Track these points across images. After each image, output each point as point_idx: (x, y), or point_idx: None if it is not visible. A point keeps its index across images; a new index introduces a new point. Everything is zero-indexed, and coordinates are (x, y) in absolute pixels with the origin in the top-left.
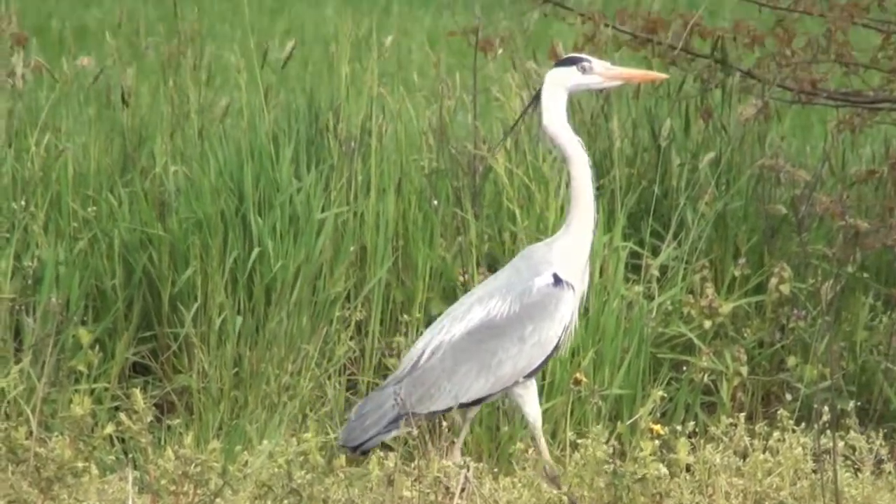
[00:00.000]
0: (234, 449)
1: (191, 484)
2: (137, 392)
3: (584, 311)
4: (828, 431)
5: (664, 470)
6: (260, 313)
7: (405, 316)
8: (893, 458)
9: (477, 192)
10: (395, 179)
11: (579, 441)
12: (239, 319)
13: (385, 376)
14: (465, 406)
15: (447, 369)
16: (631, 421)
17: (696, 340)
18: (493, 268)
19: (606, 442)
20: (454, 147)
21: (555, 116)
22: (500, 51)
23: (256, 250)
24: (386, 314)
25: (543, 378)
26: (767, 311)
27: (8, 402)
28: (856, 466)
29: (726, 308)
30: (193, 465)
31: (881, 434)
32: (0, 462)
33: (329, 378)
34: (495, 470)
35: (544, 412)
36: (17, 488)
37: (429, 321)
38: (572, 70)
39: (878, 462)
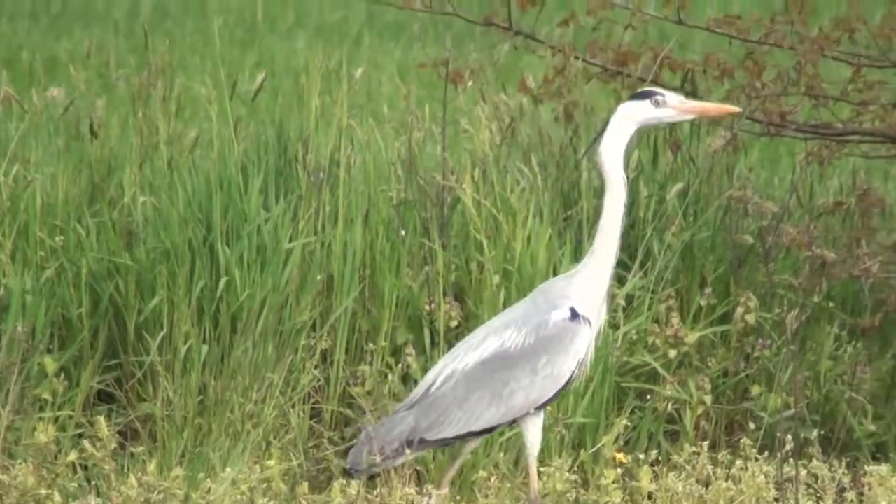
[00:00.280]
0: (197, 476)
1: None
2: (101, 420)
3: None
4: (791, 460)
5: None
6: (225, 342)
7: (371, 345)
8: (856, 487)
9: (444, 222)
10: (362, 210)
11: (542, 469)
12: (204, 348)
13: (350, 405)
14: (475, 435)
15: (459, 397)
16: (594, 449)
17: (660, 370)
18: (459, 297)
19: (569, 470)
20: (422, 178)
21: (613, 148)
22: (470, 83)
23: (224, 280)
24: (351, 343)
25: None
26: (732, 341)
27: None
28: (818, 495)
29: (692, 337)
30: (156, 492)
31: (844, 463)
32: None
33: (293, 406)
34: (458, 498)
35: (507, 440)
36: None
37: (394, 350)
38: (646, 104)
39: (841, 491)
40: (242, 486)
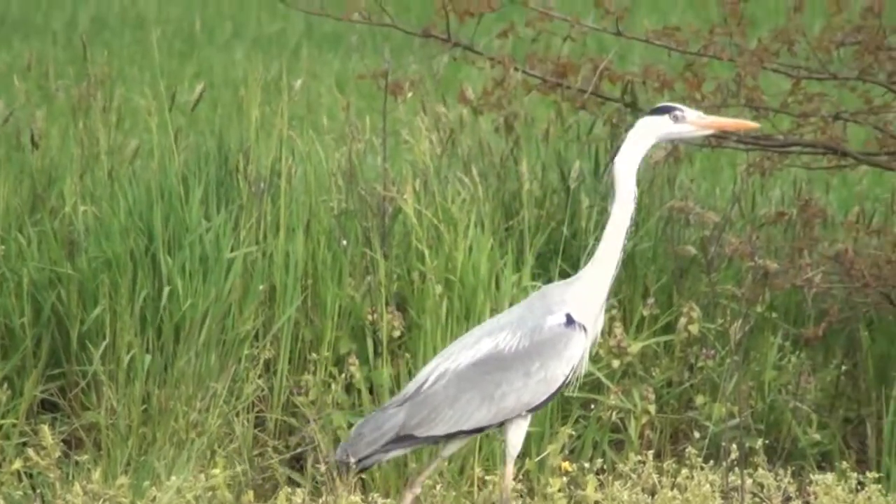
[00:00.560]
0: (142, 485)
1: None
2: (45, 428)
3: None
4: (736, 469)
5: None
6: (169, 351)
7: (314, 354)
8: (801, 496)
9: (386, 232)
10: (304, 220)
11: (487, 478)
12: (148, 357)
13: (294, 414)
14: (465, 434)
15: (450, 396)
16: (540, 458)
17: (604, 380)
18: (401, 307)
19: (515, 479)
20: (363, 189)
21: (628, 160)
22: (410, 94)
23: (166, 289)
24: (294, 353)
25: None
26: (676, 351)
27: None
28: None
29: (635, 347)
30: (101, 500)
31: (789, 472)
32: None
33: (237, 415)
34: None
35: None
36: None
37: (337, 360)
38: (665, 119)
39: (786, 499)
40: (187, 494)
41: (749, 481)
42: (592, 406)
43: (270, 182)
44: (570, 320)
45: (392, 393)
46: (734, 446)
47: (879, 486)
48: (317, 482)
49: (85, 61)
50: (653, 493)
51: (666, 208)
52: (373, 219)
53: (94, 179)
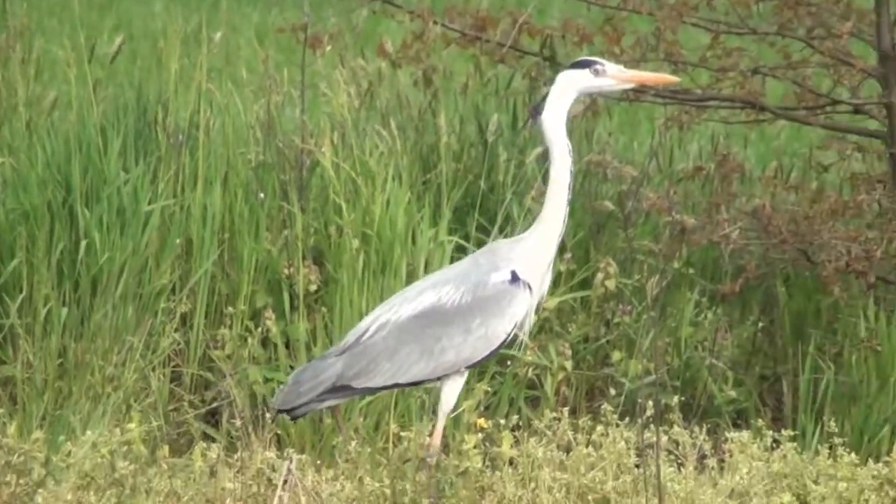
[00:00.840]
0: (57, 439)
1: (13, 474)
2: None
3: None
4: (651, 426)
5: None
6: (86, 305)
7: (230, 308)
8: (716, 454)
9: (303, 185)
10: (221, 172)
11: (403, 433)
12: (64, 311)
13: (210, 368)
14: (402, 387)
15: (389, 348)
16: (454, 414)
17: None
18: (318, 261)
19: (430, 434)
20: (281, 141)
21: (554, 115)
22: (329, 47)
23: (83, 242)
24: (211, 306)
25: None
26: (593, 307)
27: None
28: (679, 461)
29: (551, 303)
30: (16, 455)
31: (704, 429)
32: None
33: (153, 369)
34: (318, 462)
35: (368, 404)
36: None
37: (254, 314)
38: (585, 73)
39: (702, 457)
40: (103, 448)
41: (664, 438)
42: (508, 362)
43: (189, 134)
44: (514, 277)
45: (309, 347)
46: (650, 403)
47: (795, 444)
48: (232, 437)
49: (4, 13)
50: (568, 450)
51: (584, 162)
52: (290, 172)
53: (11, 131)
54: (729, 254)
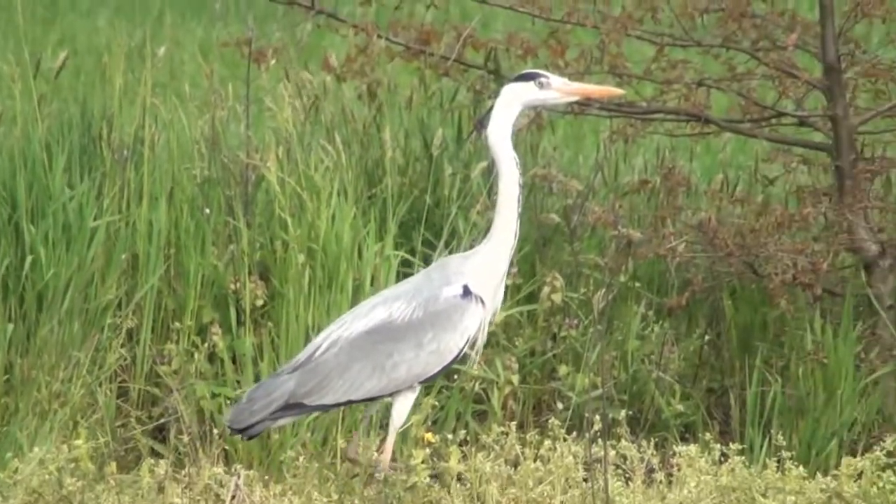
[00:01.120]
0: (4, 456)
1: None
2: None
3: None
4: (599, 440)
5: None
6: (31, 320)
7: (177, 323)
8: (664, 468)
9: (249, 200)
10: (167, 188)
11: None
12: (10, 326)
13: (157, 384)
14: (354, 403)
15: (341, 365)
16: (402, 428)
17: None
18: (264, 276)
19: (377, 450)
20: (226, 156)
21: (500, 129)
22: (273, 61)
23: (29, 258)
24: (157, 322)
25: None
26: (539, 320)
27: None
28: (627, 475)
29: (498, 317)
30: None
31: (652, 443)
32: None
33: (100, 385)
34: (266, 477)
35: (315, 419)
36: None
37: (200, 329)
38: (529, 85)
39: (649, 471)
40: (50, 465)
41: (612, 452)
42: (455, 377)
43: (133, 150)
44: (466, 291)
45: (255, 362)
46: (597, 417)
47: (743, 457)
48: (180, 453)
49: None
50: (516, 465)
51: (529, 176)
52: (236, 187)
53: None
54: (675, 267)
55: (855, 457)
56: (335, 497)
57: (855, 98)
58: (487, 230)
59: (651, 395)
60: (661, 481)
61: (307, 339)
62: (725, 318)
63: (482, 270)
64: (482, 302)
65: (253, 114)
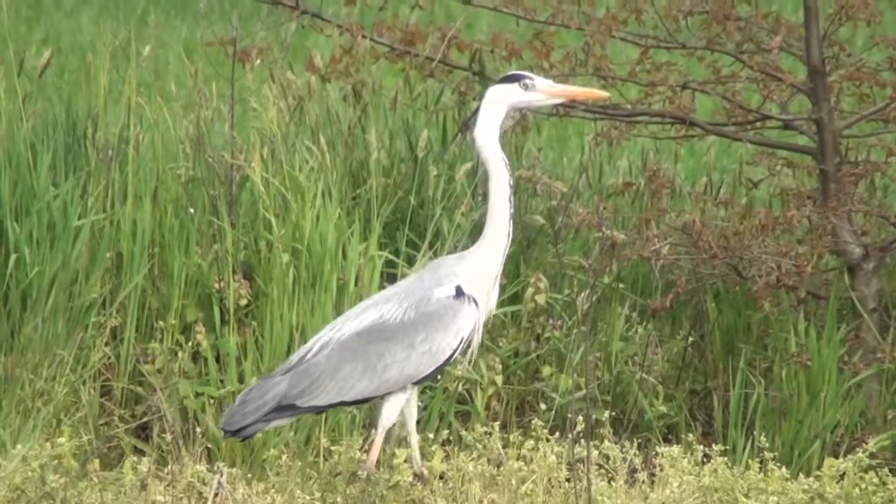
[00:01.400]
0: None
1: None
2: None
3: None
4: (582, 441)
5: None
6: (15, 318)
7: (160, 322)
8: (647, 468)
9: (233, 200)
10: (151, 187)
11: (333, 448)
12: None
13: (140, 383)
14: (348, 405)
15: (332, 366)
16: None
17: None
18: (248, 276)
19: (360, 449)
20: (211, 156)
21: (486, 131)
22: (258, 61)
23: (13, 256)
24: (141, 321)
25: None
26: (523, 321)
27: None
28: (610, 476)
29: None
30: None
31: (635, 444)
32: None
33: (84, 383)
34: (249, 476)
35: (298, 418)
36: None
37: (184, 328)
38: (514, 87)
39: (632, 471)
40: (33, 462)
41: (595, 453)
42: (439, 376)
43: (118, 149)
44: (459, 292)
45: (239, 361)
46: (580, 418)
47: (725, 458)
48: (163, 451)
49: None
50: (499, 465)
51: (513, 177)
52: (220, 187)
53: None
54: (659, 269)
55: (837, 458)
56: (318, 495)
57: (839, 101)
58: (477, 231)
59: (634, 396)
60: (643, 482)
61: (291, 339)
62: (709, 320)
63: (475, 271)
64: (475, 303)
65: (237, 114)
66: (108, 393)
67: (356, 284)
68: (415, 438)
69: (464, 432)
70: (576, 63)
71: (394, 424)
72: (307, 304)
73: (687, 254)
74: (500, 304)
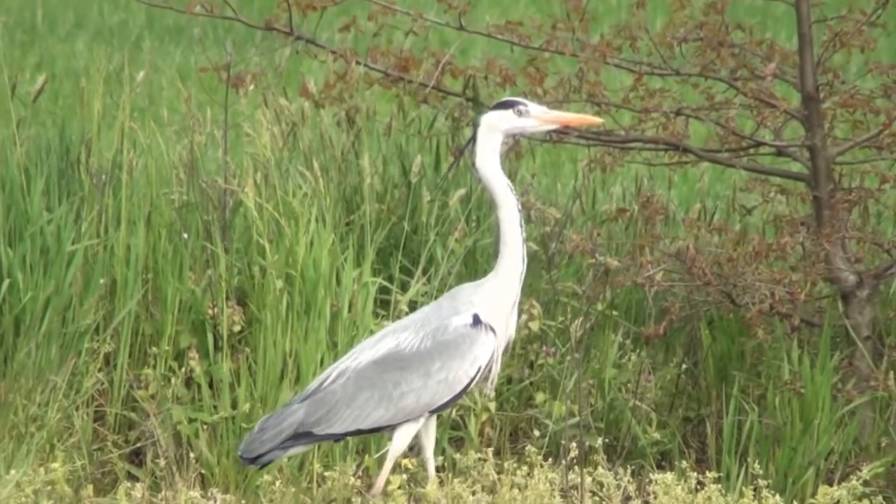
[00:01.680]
0: None
1: None
2: None
3: (334, 346)
4: (576, 467)
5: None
6: (9, 344)
7: (154, 348)
8: (641, 495)
9: (227, 225)
10: (145, 212)
11: (326, 474)
12: None
13: (133, 408)
14: (366, 433)
15: (349, 394)
16: (379, 454)
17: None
18: (241, 302)
19: (354, 475)
20: (205, 181)
21: (487, 160)
22: (252, 87)
23: (6, 282)
24: (135, 346)
25: None
26: (517, 348)
27: None
28: (603, 502)
29: None
30: None
31: (629, 471)
32: None
33: (77, 409)
34: (242, 502)
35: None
36: None
37: (178, 354)
38: (508, 113)
39: (626, 499)
40: (27, 488)
41: (588, 480)
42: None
43: (112, 174)
44: (476, 320)
45: (233, 388)
46: (574, 445)
47: (719, 485)
48: (156, 477)
49: None
50: (492, 491)
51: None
52: (214, 212)
53: None
54: (653, 296)
55: (832, 486)
56: None
57: (833, 128)
58: (471, 257)
59: (628, 423)
60: None
61: (285, 365)
62: (703, 347)
63: (492, 299)
64: (493, 331)
65: (231, 139)
66: (101, 418)
67: (350, 311)
68: (432, 465)
69: (458, 455)
70: (570, 89)
71: (402, 453)
72: (301, 330)
73: (681, 280)
74: None
